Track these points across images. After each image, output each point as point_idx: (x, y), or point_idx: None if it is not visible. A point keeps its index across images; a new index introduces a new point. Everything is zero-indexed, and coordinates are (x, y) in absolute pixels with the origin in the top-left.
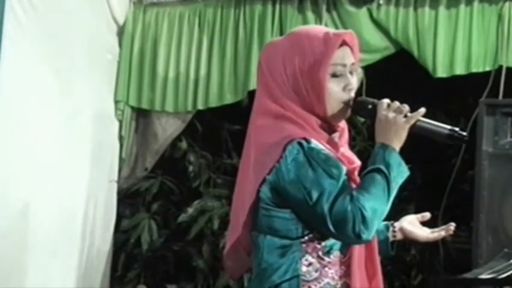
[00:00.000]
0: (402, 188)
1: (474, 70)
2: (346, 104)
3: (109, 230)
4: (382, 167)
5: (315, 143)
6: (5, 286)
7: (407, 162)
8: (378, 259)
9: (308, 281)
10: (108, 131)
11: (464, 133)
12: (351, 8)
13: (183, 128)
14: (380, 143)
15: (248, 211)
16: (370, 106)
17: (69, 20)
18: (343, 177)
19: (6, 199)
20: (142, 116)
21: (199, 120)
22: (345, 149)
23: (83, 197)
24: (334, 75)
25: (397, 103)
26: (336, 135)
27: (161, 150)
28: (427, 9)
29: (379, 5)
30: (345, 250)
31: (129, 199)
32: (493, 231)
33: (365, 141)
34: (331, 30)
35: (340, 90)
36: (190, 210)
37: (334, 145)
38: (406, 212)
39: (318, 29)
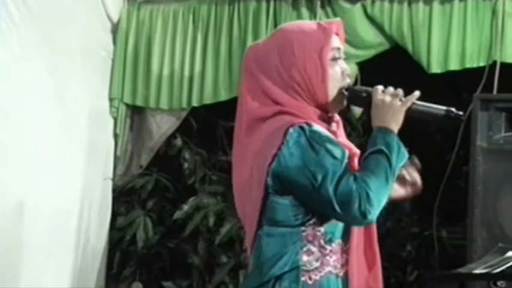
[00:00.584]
0: None
1: (468, 66)
2: (343, 91)
3: (104, 227)
4: (383, 148)
5: (316, 126)
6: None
7: None
8: (377, 247)
9: (309, 271)
10: (103, 129)
11: (461, 112)
12: (345, 4)
13: (177, 125)
14: (378, 127)
15: (260, 207)
16: (364, 94)
17: (63, 18)
18: (346, 158)
19: (1, 198)
20: (137, 114)
21: (194, 117)
22: (344, 139)
23: (78, 195)
24: (334, 59)
25: (391, 88)
26: (333, 126)
27: (156, 147)
28: (421, 4)
29: (373, 1)
30: (346, 238)
31: (124, 196)
32: (487, 227)
33: (360, 137)
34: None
35: (339, 75)
36: (185, 207)
37: (334, 133)
38: (402, 208)
39: (307, 22)
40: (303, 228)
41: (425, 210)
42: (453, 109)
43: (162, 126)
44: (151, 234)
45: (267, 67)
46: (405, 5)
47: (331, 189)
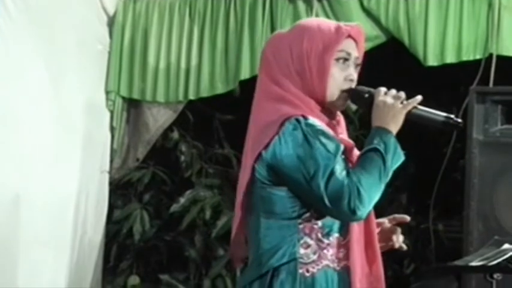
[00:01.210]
0: (394, 177)
1: (465, 58)
2: (345, 93)
3: (101, 220)
4: (378, 147)
5: (312, 119)
6: None
7: None
8: (377, 243)
9: (306, 264)
10: (99, 122)
11: (460, 120)
12: None
13: (174, 118)
14: (376, 126)
15: (245, 189)
16: (366, 95)
17: (59, 11)
18: (340, 153)
19: None
20: (133, 107)
21: (190, 110)
22: (344, 136)
23: (74, 188)
24: (339, 60)
25: (394, 91)
26: (333, 122)
27: (153, 140)
28: None
29: None
30: (344, 232)
31: (120, 190)
32: (483, 219)
33: (356, 131)
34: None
35: (341, 79)
36: (182, 200)
37: (333, 128)
38: (399, 201)
39: (327, 20)
40: (299, 220)
41: (422, 204)
42: (452, 116)
43: (158, 119)
44: (148, 227)
45: (279, 54)
46: None
47: (322, 183)
